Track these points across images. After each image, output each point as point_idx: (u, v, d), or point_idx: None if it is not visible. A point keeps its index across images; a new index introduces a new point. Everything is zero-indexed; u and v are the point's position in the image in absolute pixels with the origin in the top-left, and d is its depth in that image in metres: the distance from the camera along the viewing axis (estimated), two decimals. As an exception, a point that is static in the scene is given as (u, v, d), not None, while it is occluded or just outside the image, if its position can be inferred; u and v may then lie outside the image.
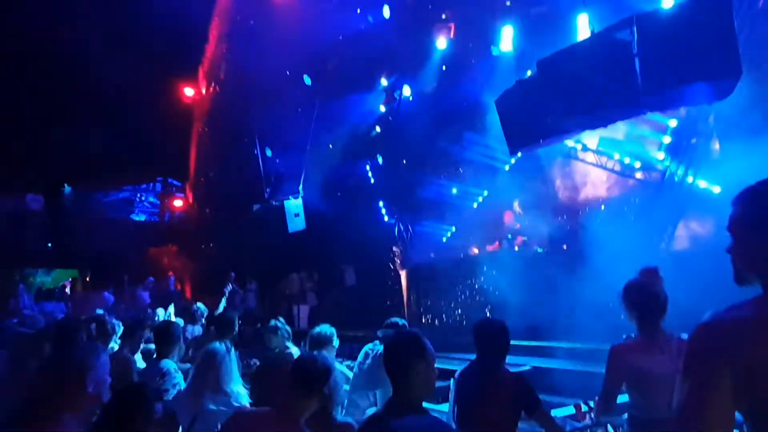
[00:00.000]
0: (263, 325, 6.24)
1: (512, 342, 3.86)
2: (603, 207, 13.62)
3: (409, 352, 2.65)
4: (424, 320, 14.43)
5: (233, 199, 16.42)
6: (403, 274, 15.99)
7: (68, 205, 19.46)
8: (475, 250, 15.42)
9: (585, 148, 14.45)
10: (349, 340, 8.38)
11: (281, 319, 6.28)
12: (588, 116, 7.09)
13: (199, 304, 8.78)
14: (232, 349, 5.07)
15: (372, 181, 16.74)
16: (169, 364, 4.99)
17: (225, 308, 9.81)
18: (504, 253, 13.23)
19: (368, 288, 16.54)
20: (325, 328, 5.07)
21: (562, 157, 14.85)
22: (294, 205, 14.95)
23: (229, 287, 11.74)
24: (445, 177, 16.24)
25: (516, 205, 15.41)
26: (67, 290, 16.69)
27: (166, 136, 17.77)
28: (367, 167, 16.77)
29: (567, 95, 7.07)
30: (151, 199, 21.48)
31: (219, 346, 5.06)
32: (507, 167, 15.56)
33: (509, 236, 14.55)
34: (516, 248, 13.66)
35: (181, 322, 7.94)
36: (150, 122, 16.87)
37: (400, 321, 5.16)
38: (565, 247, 12.18)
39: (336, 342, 5.11)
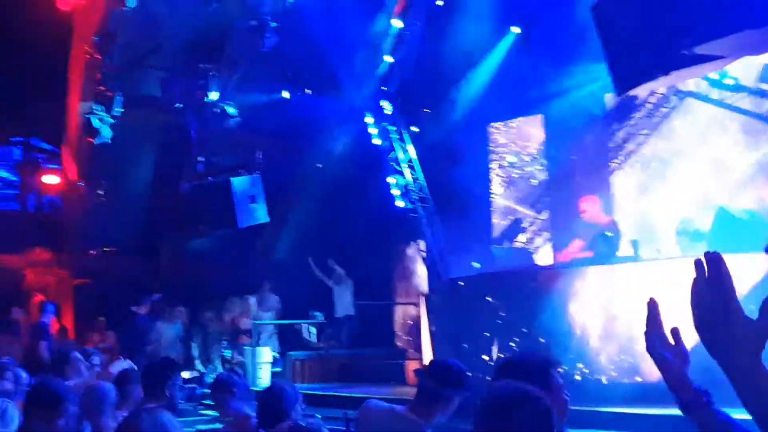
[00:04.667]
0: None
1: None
2: None
3: None
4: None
5: (145, 174, 14.21)
6: (422, 296, 13.03)
7: None
8: (548, 256, 12.88)
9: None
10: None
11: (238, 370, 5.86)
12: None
13: (90, 349, 7.73)
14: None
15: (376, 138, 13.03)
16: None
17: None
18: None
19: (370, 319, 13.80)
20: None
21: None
22: (246, 183, 12.45)
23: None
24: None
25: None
26: None
27: (26, 69, 15.29)
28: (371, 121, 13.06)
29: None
30: (2, 172, 19.50)
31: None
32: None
33: (607, 233, 11.06)
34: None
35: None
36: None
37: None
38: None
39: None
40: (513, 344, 9.94)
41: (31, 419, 3.95)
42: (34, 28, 14.59)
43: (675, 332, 2.02)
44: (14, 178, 19.59)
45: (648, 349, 2.12)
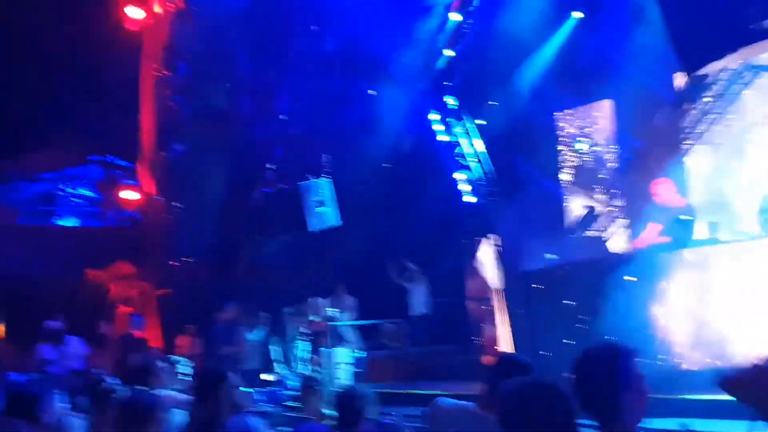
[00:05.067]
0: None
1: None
2: None
3: None
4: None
5: (218, 184, 14.26)
6: (495, 291, 12.61)
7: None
8: (624, 243, 12.24)
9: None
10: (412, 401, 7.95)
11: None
12: None
13: (175, 358, 8.23)
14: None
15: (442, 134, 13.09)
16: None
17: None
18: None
19: (444, 317, 13.56)
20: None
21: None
22: (317, 188, 12.85)
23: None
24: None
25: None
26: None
27: (100, 89, 15.39)
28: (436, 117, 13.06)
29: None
30: (84, 191, 19.91)
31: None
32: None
33: (683, 217, 10.72)
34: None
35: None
36: (73, 65, 14.94)
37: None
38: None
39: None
40: (588, 335, 9.84)
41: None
42: (105, 49, 15.07)
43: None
44: (95, 195, 19.88)
45: None
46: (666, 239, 9.91)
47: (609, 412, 2.61)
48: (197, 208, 14.54)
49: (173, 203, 14.68)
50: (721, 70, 11.66)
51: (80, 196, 19.92)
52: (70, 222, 19.66)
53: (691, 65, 7.19)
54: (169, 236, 15.22)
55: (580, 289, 10.28)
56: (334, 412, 4.48)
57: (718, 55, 6.84)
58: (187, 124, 13.93)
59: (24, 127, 16.25)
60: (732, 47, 6.57)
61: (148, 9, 14.20)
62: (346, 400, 4.27)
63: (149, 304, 15.49)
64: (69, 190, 19.73)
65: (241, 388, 5.13)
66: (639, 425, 2.70)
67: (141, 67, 14.65)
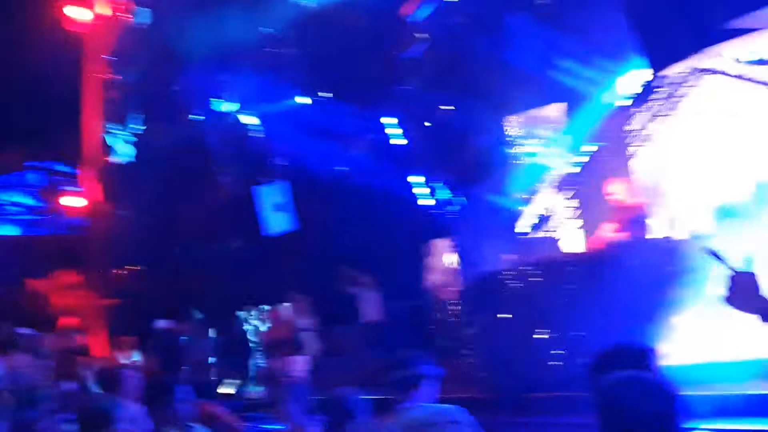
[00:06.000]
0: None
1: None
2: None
3: None
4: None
5: (170, 190, 14.01)
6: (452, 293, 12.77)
7: None
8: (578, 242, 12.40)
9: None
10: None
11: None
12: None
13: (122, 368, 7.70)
14: None
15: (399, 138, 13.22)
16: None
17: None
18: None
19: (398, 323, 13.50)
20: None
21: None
22: (271, 191, 13.02)
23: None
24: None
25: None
26: None
27: (40, 94, 15.13)
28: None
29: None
30: (23, 199, 19.39)
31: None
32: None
33: (637, 215, 10.93)
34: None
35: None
36: (8, 65, 14.65)
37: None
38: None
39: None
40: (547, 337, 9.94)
41: None
42: (45, 52, 14.73)
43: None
44: (36, 203, 19.47)
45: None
46: (620, 238, 10.18)
47: None
48: (146, 214, 14.21)
49: (120, 210, 14.37)
50: (666, 75, 12.06)
51: (18, 204, 19.44)
52: (8, 231, 19.17)
53: (657, 65, 7.31)
54: (114, 244, 14.87)
55: (537, 290, 10.28)
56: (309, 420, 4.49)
57: (685, 55, 6.99)
58: (134, 127, 13.64)
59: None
60: (698, 47, 6.71)
61: (91, 10, 13.95)
62: (335, 403, 4.29)
63: (94, 315, 15.15)
64: (4, 197, 19.30)
65: (192, 400, 5.06)
66: None
67: (84, 69, 14.36)
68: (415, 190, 12.84)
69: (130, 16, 13.39)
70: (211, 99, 13.15)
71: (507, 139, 14.15)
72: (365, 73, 12.62)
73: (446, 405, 3.61)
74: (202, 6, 12.73)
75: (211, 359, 13.15)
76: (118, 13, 13.70)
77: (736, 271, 2.48)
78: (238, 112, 12.89)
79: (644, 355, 3.02)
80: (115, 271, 15.30)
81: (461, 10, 12.35)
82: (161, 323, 12.86)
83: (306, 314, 13.78)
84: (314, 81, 13.23)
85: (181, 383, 5.16)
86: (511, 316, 10.50)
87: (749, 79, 11.29)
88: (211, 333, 13.43)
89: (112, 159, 13.80)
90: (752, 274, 2.43)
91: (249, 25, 12.30)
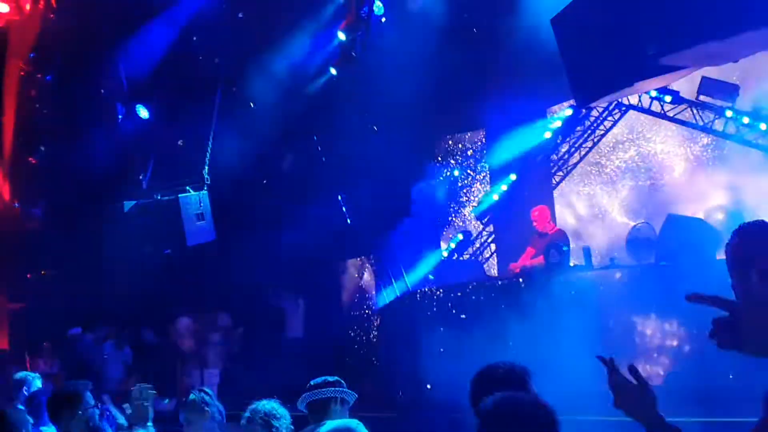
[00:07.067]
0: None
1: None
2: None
3: None
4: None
5: (86, 193, 13.55)
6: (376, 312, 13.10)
7: None
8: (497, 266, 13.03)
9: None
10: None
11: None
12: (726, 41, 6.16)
13: (24, 374, 7.36)
14: None
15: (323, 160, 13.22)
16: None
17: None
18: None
19: (321, 340, 13.30)
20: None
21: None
22: (195, 200, 12.24)
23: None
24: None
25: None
26: None
27: None
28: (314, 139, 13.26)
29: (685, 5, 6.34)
30: None
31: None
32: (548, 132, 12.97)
33: (558, 242, 11.28)
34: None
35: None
36: None
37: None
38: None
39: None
40: (473, 355, 10.03)
41: None
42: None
43: (633, 370, 2.39)
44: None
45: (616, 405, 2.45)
46: (541, 263, 10.47)
47: None
48: (61, 217, 13.80)
49: (33, 211, 13.98)
50: (592, 108, 12.46)
51: None
52: None
53: (585, 97, 7.45)
54: (26, 247, 14.41)
55: (461, 311, 10.48)
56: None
57: (613, 89, 7.15)
58: (54, 127, 13.23)
59: None
60: (628, 81, 6.87)
61: (14, 4, 13.53)
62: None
63: (0, 318, 14.72)
64: None
65: (101, 408, 5.05)
66: None
67: (6, 64, 13.92)
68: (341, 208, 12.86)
69: (52, 13, 13.03)
70: (133, 102, 12.91)
71: (435, 160, 14.51)
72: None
73: (349, 420, 3.93)
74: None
75: (124, 368, 12.90)
76: (42, 9, 13.27)
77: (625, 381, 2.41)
78: (156, 116, 12.71)
79: (523, 376, 3.12)
80: (26, 275, 14.88)
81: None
82: (75, 330, 12.60)
83: (222, 328, 13.70)
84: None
85: (90, 392, 5.05)
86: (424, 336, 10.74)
87: (665, 117, 12.22)
88: (126, 341, 13.18)
89: (28, 158, 13.35)
90: (645, 386, 2.38)
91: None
